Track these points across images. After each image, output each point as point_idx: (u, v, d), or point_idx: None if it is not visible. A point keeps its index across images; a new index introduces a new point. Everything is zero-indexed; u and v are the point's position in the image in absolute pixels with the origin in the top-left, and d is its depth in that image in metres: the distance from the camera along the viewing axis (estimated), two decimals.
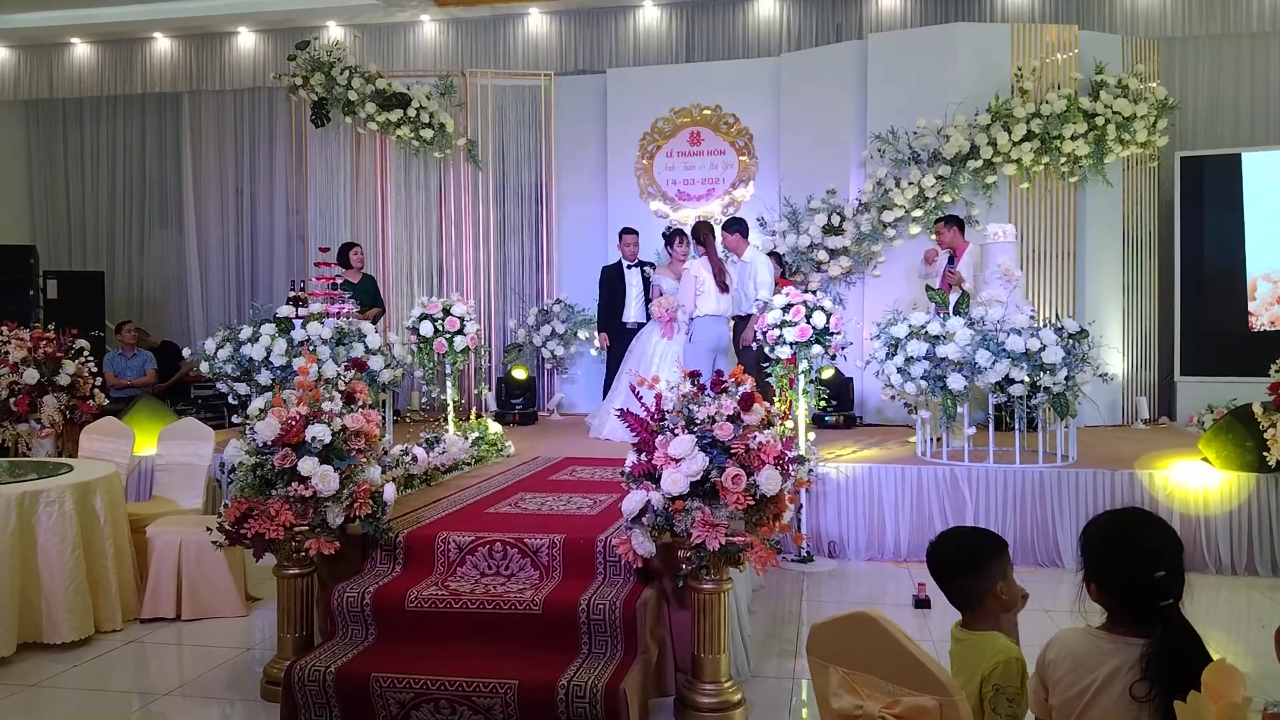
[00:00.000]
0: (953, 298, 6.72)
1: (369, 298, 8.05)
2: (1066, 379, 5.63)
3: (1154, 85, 8.31)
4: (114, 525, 4.65)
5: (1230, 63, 9.28)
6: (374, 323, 7.39)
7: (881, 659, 1.87)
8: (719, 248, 7.28)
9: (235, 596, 4.85)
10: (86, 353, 6.63)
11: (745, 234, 7.37)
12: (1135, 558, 1.91)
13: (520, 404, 8.71)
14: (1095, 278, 8.41)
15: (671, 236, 7.82)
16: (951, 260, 7.10)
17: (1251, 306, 8.48)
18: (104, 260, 11.47)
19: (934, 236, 7.43)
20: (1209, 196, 8.57)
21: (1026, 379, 5.60)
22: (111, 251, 11.56)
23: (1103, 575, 1.97)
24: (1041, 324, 5.89)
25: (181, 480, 5.54)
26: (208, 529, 3.91)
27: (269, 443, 3.69)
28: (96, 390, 6.62)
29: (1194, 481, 5.66)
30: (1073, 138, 7.96)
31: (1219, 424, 5.88)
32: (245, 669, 4.16)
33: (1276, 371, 5.48)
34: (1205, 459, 5.89)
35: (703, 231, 7.16)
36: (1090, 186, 8.29)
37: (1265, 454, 5.47)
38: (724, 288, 6.94)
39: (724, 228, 7.37)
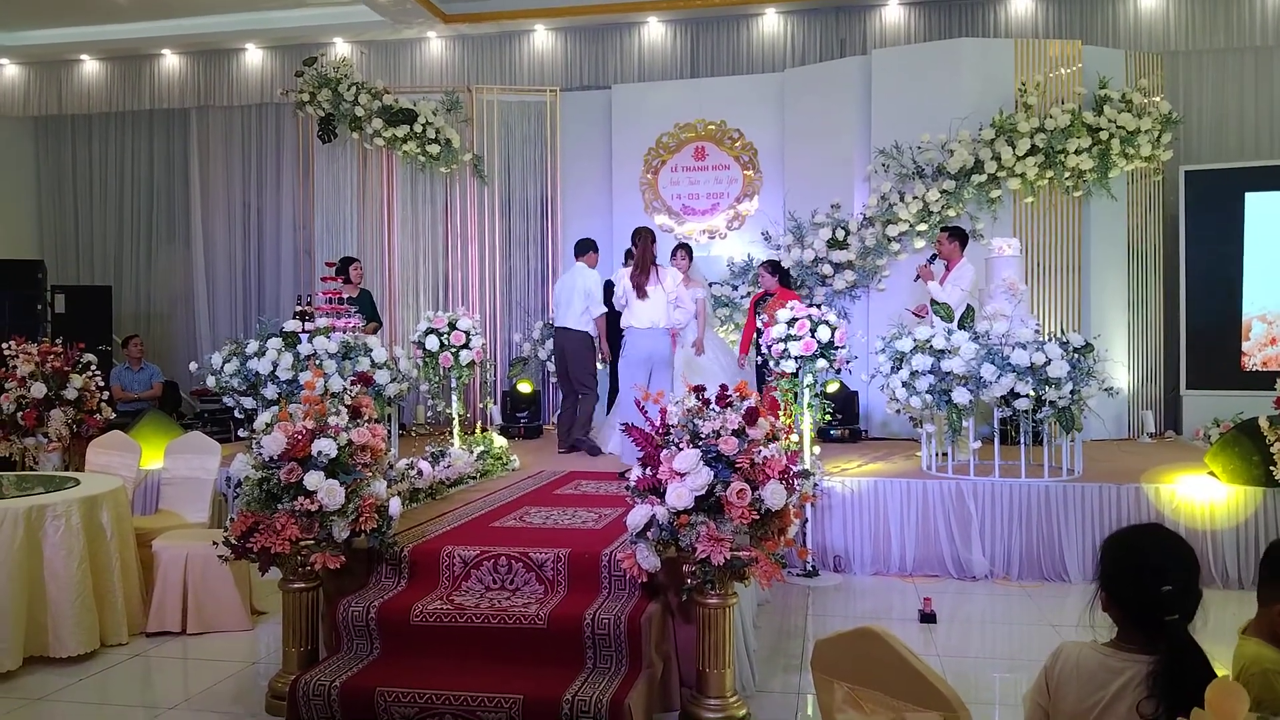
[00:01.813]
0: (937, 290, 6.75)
1: (367, 312, 8.06)
2: (1072, 393, 5.63)
3: (1158, 99, 8.33)
4: (120, 539, 4.67)
5: (1234, 76, 9.30)
6: None
7: (886, 674, 1.87)
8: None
9: (240, 610, 4.85)
10: (94, 367, 6.66)
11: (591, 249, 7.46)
12: (1144, 571, 1.91)
13: (525, 418, 8.71)
14: (1100, 291, 8.41)
15: (675, 250, 7.85)
16: (933, 260, 7.08)
17: (1245, 346, 8.48)
18: (111, 275, 11.53)
19: (935, 245, 7.38)
20: (1213, 210, 8.57)
21: (1031, 393, 5.60)
22: (119, 266, 11.63)
23: (1113, 586, 1.97)
24: (1046, 338, 5.89)
25: (187, 494, 5.56)
26: (214, 543, 3.91)
27: (275, 457, 3.70)
28: (103, 404, 6.65)
29: (1200, 496, 5.65)
30: (1077, 152, 7.97)
31: (1225, 438, 5.86)
32: (250, 683, 4.17)
33: None
34: (1212, 473, 5.88)
35: (636, 238, 6.97)
36: (1095, 200, 8.30)
37: (1272, 468, 5.45)
38: (641, 294, 6.74)
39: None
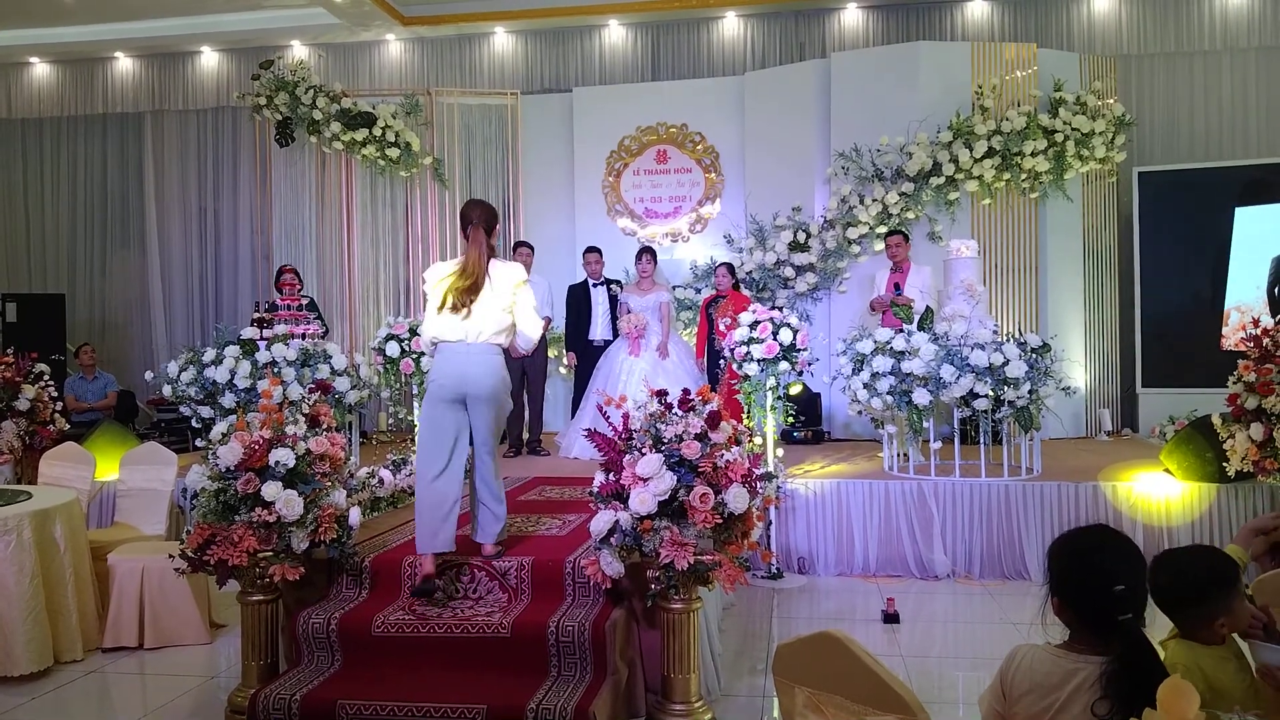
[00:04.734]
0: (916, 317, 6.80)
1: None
2: (1030, 392, 5.69)
3: (1111, 102, 8.47)
4: (74, 553, 4.57)
5: (1184, 80, 9.48)
6: None
7: (846, 678, 1.88)
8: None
9: (199, 624, 4.78)
10: (46, 377, 6.54)
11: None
12: (1095, 571, 1.94)
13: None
14: (1057, 292, 8.53)
15: (640, 254, 7.85)
16: (898, 288, 7.18)
17: (1224, 330, 8.68)
18: (65, 282, 11.30)
19: (887, 251, 7.43)
20: (1166, 211, 8.74)
21: (990, 393, 5.66)
22: (72, 273, 11.40)
23: (1065, 589, 1.99)
24: (1004, 338, 5.95)
25: (144, 506, 5.47)
26: (170, 556, 3.85)
27: (232, 467, 3.65)
28: (57, 415, 6.53)
29: (1156, 492, 5.74)
30: (1033, 154, 8.08)
31: (1179, 435, 5.96)
32: (210, 698, 4.10)
33: (1234, 383, 5.57)
34: (1167, 470, 5.97)
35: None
36: (1051, 202, 8.42)
37: (1225, 465, 5.55)
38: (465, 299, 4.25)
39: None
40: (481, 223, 4.08)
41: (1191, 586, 2.09)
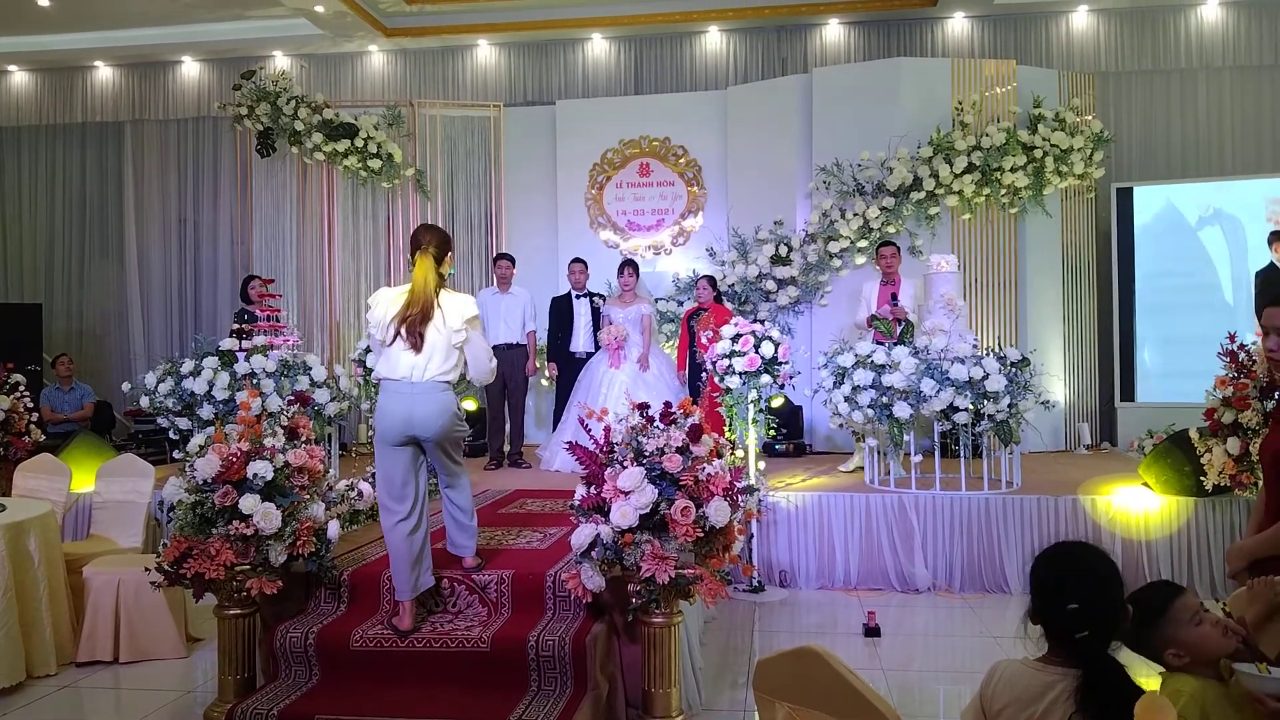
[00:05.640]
0: (898, 329, 6.82)
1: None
2: (1009, 406, 5.73)
3: (1090, 119, 8.55)
4: (49, 566, 4.52)
5: (1161, 97, 9.60)
6: None
7: (826, 693, 1.88)
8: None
9: (175, 638, 4.73)
10: (22, 387, 6.47)
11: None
12: (1048, 589, 1.97)
13: (470, 436, 8.62)
14: (1036, 306, 8.58)
15: (622, 267, 7.85)
16: (894, 298, 7.19)
17: None
18: (42, 292, 11.19)
19: (881, 262, 7.44)
20: (1141, 226, 8.83)
21: (970, 407, 5.69)
22: (50, 283, 11.29)
23: (1032, 604, 2.02)
24: (984, 353, 5.99)
25: (120, 518, 5.41)
26: (146, 569, 3.81)
27: (209, 480, 3.62)
28: (32, 426, 6.46)
29: (1135, 506, 5.77)
30: (1012, 170, 8.14)
31: (1158, 449, 6.01)
32: (186, 712, 4.06)
33: (1211, 398, 5.61)
34: (1145, 484, 6.01)
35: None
36: (1030, 217, 8.48)
37: (1202, 479, 5.59)
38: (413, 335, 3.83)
39: None
40: (431, 247, 3.83)
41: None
